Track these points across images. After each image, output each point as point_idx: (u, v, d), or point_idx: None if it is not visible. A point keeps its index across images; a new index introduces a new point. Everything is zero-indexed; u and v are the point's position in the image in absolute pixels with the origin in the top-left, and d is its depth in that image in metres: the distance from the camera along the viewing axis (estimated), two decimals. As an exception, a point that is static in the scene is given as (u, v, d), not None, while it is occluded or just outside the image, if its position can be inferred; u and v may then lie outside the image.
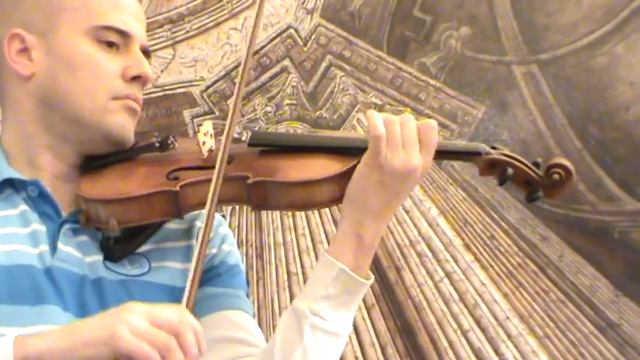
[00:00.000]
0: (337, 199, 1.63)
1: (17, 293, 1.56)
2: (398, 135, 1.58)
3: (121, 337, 1.35)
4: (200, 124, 1.73)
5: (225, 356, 1.69)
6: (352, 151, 1.64)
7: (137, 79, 1.71)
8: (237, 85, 1.68)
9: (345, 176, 1.61)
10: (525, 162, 1.65)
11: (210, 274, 1.75)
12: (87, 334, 1.38)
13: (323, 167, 1.62)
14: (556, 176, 1.63)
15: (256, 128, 3.06)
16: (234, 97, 1.73)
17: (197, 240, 1.57)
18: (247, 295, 1.80)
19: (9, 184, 1.66)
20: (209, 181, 1.55)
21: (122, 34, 1.70)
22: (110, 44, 1.69)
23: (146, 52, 1.75)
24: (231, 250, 1.81)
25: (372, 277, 1.63)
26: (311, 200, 1.62)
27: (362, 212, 1.59)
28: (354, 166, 1.62)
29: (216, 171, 1.55)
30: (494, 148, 1.66)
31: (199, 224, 1.77)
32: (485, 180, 2.86)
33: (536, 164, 1.65)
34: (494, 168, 1.65)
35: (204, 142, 1.68)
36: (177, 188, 1.61)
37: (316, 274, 1.62)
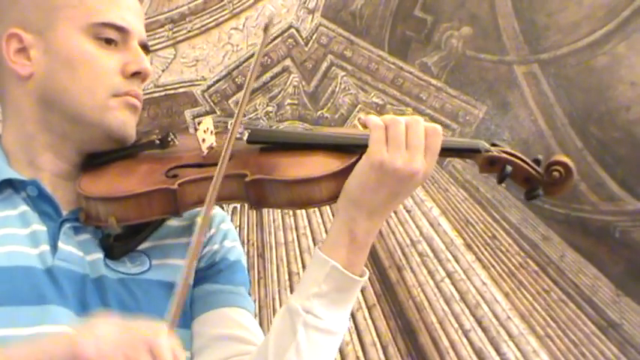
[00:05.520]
0: (337, 197, 1.60)
1: (18, 294, 1.55)
2: (401, 135, 1.56)
3: (83, 350, 1.30)
4: (200, 122, 1.72)
5: (224, 354, 1.67)
6: (351, 148, 1.62)
7: (137, 74, 1.70)
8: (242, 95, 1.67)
9: (344, 174, 1.59)
10: (525, 159, 1.63)
11: (211, 271, 1.74)
12: (51, 347, 1.34)
13: (322, 164, 1.60)
14: (556, 174, 1.60)
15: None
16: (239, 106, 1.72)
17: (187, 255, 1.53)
18: (249, 293, 1.79)
19: (9, 184, 1.66)
20: (208, 179, 1.54)
21: (120, 30, 1.69)
22: (108, 41, 1.68)
23: (145, 47, 1.75)
24: (233, 246, 1.80)
25: (367, 274, 1.60)
26: (310, 198, 1.60)
27: (357, 209, 1.57)
28: (353, 164, 1.60)
29: (216, 174, 1.53)
30: (494, 145, 1.63)
31: (201, 221, 1.78)
32: (486, 180, 2.86)
33: (537, 161, 1.63)
34: (493, 165, 1.62)
35: (203, 140, 1.67)
36: (176, 186, 1.60)
37: (309, 271, 1.60)
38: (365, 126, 1.60)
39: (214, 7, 3.23)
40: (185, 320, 1.68)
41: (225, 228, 1.80)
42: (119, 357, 1.28)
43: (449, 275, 2.88)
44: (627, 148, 2.73)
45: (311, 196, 1.59)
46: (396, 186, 1.56)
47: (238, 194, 1.62)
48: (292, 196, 1.59)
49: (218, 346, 1.68)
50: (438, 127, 1.59)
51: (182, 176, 1.62)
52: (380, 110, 3.04)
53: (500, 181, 1.63)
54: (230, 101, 3.17)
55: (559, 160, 1.62)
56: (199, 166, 1.65)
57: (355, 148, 1.62)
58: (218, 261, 1.76)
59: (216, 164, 1.56)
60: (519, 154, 1.63)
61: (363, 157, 1.57)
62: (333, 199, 1.61)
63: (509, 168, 1.61)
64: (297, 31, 3.15)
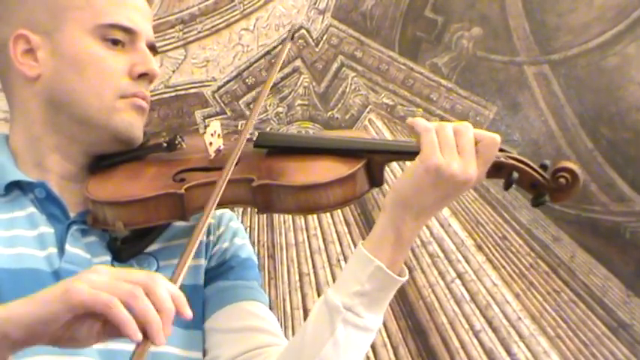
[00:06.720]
0: (344, 202, 1.60)
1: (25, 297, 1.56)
2: (450, 139, 1.55)
3: (75, 289, 1.25)
4: (207, 125, 1.71)
5: (245, 346, 1.67)
6: (359, 152, 1.62)
7: (144, 76, 1.69)
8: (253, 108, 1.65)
9: (352, 179, 1.59)
10: (532, 165, 1.61)
11: (223, 268, 1.75)
12: (44, 294, 1.29)
13: (329, 170, 1.59)
14: (562, 180, 1.59)
15: (267, 129, 3.07)
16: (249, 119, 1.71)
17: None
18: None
19: (16, 186, 1.66)
20: (214, 183, 1.53)
21: (127, 31, 1.69)
22: (115, 42, 1.68)
23: (153, 48, 1.75)
24: (243, 243, 1.80)
25: (407, 273, 1.60)
26: (317, 204, 1.59)
27: (406, 209, 1.56)
28: (360, 169, 1.60)
29: (221, 180, 1.52)
30: (501, 150, 1.60)
31: (209, 220, 1.77)
32: (497, 180, 2.85)
33: (544, 166, 1.61)
34: (500, 171, 1.60)
35: (210, 143, 1.67)
36: (183, 191, 1.60)
37: (352, 268, 1.59)
38: (412, 128, 1.59)
39: (225, 8, 3.23)
40: (196, 321, 1.68)
41: (234, 226, 1.81)
42: (113, 297, 1.25)
43: (459, 276, 2.88)
44: (637, 148, 2.73)
45: (318, 201, 1.58)
46: (450, 190, 1.55)
47: (245, 199, 1.62)
48: (299, 201, 1.59)
49: (237, 338, 1.68)
50: (496, 136, 1.58)
51: (189, 180, 1.62)
52: (390, 111, 3.04)
53: (506, 187, 1.61)
54: (241, 102, 3.17)
55: (565, 167, 1.60)
56: (206, 169, 1.64)
57: (362, 153, 1.62)
58: (229, 258, 1.76)
59: (223, 168, 1.56)
60: (526, 160, 1.61)
61: (417, 159, 1.55)
62: (340, 204, 1.60)
63: (515, 174, 1.59)
64: (308, 31, 3.15)
